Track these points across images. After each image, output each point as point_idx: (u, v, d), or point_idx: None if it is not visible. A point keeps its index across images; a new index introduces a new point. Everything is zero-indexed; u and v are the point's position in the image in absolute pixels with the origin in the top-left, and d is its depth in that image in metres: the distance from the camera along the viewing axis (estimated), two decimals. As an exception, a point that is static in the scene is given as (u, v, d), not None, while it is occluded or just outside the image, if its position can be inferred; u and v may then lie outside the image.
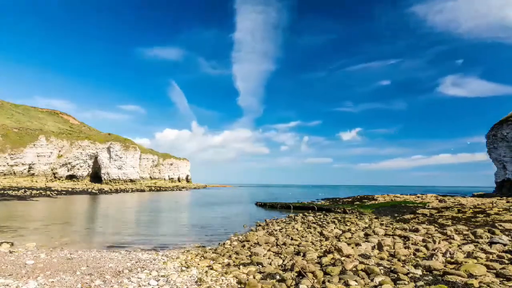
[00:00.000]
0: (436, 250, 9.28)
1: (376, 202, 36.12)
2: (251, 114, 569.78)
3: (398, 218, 20.17)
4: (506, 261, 8.00)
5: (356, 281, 6.65)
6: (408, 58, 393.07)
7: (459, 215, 20.04)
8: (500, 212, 20.33)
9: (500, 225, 13.78)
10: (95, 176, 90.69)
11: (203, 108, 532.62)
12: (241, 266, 8.42)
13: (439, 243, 10.79)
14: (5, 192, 45.59)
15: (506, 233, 12.28)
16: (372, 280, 6.69)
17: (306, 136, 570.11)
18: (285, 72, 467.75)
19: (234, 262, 9.05)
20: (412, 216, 20.81)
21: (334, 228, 15.94)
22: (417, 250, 9.69)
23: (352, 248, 9.83)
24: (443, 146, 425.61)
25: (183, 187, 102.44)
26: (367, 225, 17.11)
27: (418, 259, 8.66)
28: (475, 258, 8.44)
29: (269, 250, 10.71)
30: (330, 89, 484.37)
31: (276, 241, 12.35)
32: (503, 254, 8.78)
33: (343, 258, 8.46)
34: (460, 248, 9.82)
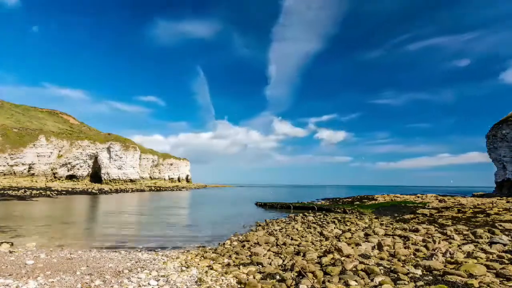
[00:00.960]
0: (436, 250, 9.28)
1: (376, 202, 36.12)
2: (276, 107, 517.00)
3: (398, 218, 20.17)
4: (506, 261, 8.00)
5: (356, 281, 6.65)
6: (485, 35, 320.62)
7: (459, 215, 20.04)
8: (500, 212, 20.34)
9: (500, 225, 13.78)
10: (95, 176, 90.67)
11: (226, 98, 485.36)
12: (241, 266, 8.42)
13: (439, 243, 10.79)
14: (5, 192, 45.58)
15: (506, 233, 12.28)
16: (372, 280, 6.69)
17: (330, 132, 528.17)
18: (332, 53, 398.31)
19: (234, 262, 9.05)
20: (412, 216, 20.81)
21: (334, 228, 15.93)
22: (417, 250, 9.69)
23: (352, 248, 9.82)
24: (476, 144, 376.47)
25: (183, 187, 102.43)
26: (367, 225, 17.10)
27: (418, 259, 8.67)
28: (475, 258, 8.44)
29: (269, 250, 10.71)
30: (377, 74, 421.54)
31: (276, 241, 12.35)
32: (503, 254, 8.78)
33: (343, 258, 8.46)
34: (460, 248, 9.81)
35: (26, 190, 50.87)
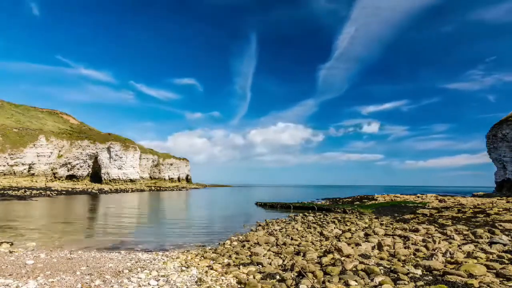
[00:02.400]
0: (436, 250, 9.28)
1: (376, 202, 36.12)
2: (328, 93, 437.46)
3: (398, 218, 20.17)
4: (506, 261, 8.00)
5: (356, 281, 6.65)
6: None
7: (459, 215, 20.03)
8: (500, 212, 20.34)
9: (500, 225, 13.78)
10: (95, 176, 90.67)
11: (272, 80, 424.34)
12: (241, 266, 8.41)
13: (439, 243, 10.78)
14: (5, 192, 45.57)
15: (506, 233, 12.28)
16: (372, 280, 6.69)
17: (375, 124, 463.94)
18: (440, 12, 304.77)
19: (234, 262, 9.05)
20: (412, 216, 20.81)
21: (334, 228, 15.93)
22: (417, 250, 9.68)
23: (352, 248, 9.82)
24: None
25: (183, 187, 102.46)
26: (367, 225, 17.10)
27: (418, 259, 8.66)
28: (475, 258, 8.44)
29: (269, 250, 10.70)
30: (475, 43, 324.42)
31: (276, 241, 12.35)
32: (503, 254, 8.78)
33: (343, 258, 8.46)
34: (460, 248, 9.81)
35: (26, 190, 50.86)
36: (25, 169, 68.66)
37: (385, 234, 13.31)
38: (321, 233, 14.21)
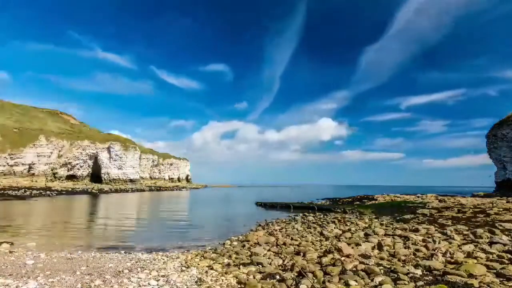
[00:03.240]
0: (436, 250, 9.28)
1: (376, 202, 36.11)
2: (367, 82, 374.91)
3: (398, 218, 20.16)
4: (506, 261, 8.00)
5: (356, 281, 6.65)
6: None
7: (459, 215, 20.03)
8: (500, 212, 20.33)
9: (500, 225, 13.78)
10: (95, 176, 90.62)
11: (306, 67, 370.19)
12: (241, 266, 8.41)
13: (439, 243, 10.78)
14: (5, 192, 45.56)
15: (506, 233, 12.28)
16: (372, 280, 6.69)
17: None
18: None
19: (234, 262, 9.05)
20: (412, 216, 20.81)
21: (334, 228, 15.93)
22: (417, 250, 9.68)
23: (352, 248, 9.82)
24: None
25: (183, 187, 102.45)
26: (367, 225, 17.09)
27: (418, 259, 8.66)
28: (475, 258, 8.44)
29: (269, 250, 10.70)
30: None
31: (276, 241, 12.34)
32: (503, 254, 8.78)
33: (343, 258, 8.46)
34: (460, 248, 9.81)
35: (26, 190, 50.85)
36: (25, 169, 68.64)
37: (385, 234, 13.30)
38: (321, 233, 14.20)
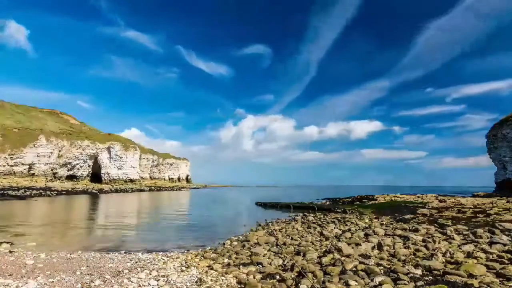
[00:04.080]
0: (436, 250, 9.28)
1: (376, 202, 36.10)
2: (414, 69, 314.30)
3: (398, 218, 20.15)
4: (506, 261, 8.00)
5: (356, 281, 6.65)
6: None
7: (459, 215, 20.03)
8: (500, 212, 20.33)
9: (500, 225, 13.77)
10: (95, 176, 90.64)
11: (350, 51, 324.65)
12: (241, 266, 8.41)
13: (439, 243, 10.78)
14: (5, 192, 45.56)
15: (506, 233, 12.28)
16: (372, 280, 6.69)
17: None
18: None
19: (234, 262, 9.05)
20: (412, 216, 20.80)
21: (334, 228, 15.92)
22: (417, 250, 9.68)
23: (352, 248, 9.82)
24: None
25: (183, 187, 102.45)
26: (367, 225, 17.09)
27: (418, 259, 8.66)
28: (475, 258, 8.44)
29: (269, 250, 10.70)
30: None
31: (276, 241, 12.34)
32: (503, 254, 8.78)
33: (343, 258, 8.46)
34: (460, 248, 9.81)
35: (26, 190, 50.84)
36: (25, 169, 68.64)
37: (385, 234, 13.30)
38: (321, 233, 14.19)
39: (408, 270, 7.36)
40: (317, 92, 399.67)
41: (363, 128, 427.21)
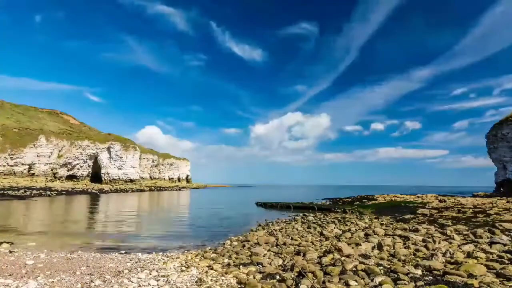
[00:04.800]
0: (436, 250, 9.29)
1: (376, 202, 36.10)
2: (465, 54, 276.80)
3: (398, 218, 20.16)
4: (506, 261, 8.00)
5: (356, 281, 6.65)
6: None
7: (459, 215, 20.03)
8: (500, 212, 20.34)
9: (500, 225, 13.78)
10: (95, 176, 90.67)
11: (396, 35, 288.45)
12: (241, 266, 8.41)
13: (439, 243, 10.78)
14: (5, 192, 45.55)
15: (506, 233, 12.28)
16: (372, 280, 6.69)
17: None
18: None
19: (234, 262, 9.05)
20: (412, 216, 20.81)
21: (334, 228, 15.93)
22: (417, 250, 9.68)
23: (352, 248, 9.82)
24: None
25: (183, 187, 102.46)
26: (367, 225, 17.09)
27: (418, 259, 8.66)
28: (475, 258, 8.44)
29: (269, 250, 10.70)
30: None
31: (276, 241, 12.34)
32: (503, 254, 8.77)
33: (343, 258, 8.45)
34: (460, 248, 9.81)
35: (26, 190, 50.83)
36: (25, 169, 68.64)
37: (385, 234, 13.30)
38: (321, 233, 14.20)
39: (408, 270, 7.36)
40: (351, 81, 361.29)
41: (391, 124, 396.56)
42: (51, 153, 76.01)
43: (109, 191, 64.95)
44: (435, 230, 13.68)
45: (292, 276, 7.20)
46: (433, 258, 8.22)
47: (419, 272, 7.29)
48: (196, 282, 7.06)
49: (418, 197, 44.10)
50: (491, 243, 10.34)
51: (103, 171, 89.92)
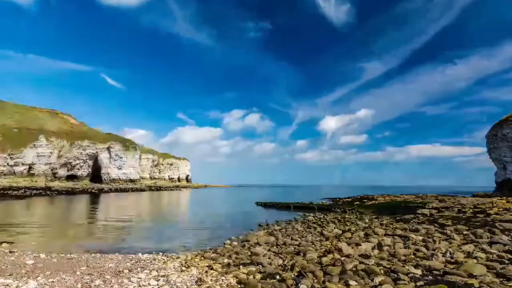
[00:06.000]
0: (436, 250, 9.29)
1: (376, 202, 36.09)
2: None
3: (398, 218, 20.16)
4: (506, 261, 8.00)
5: (356, 281, 6.65)
6: None
7: (459, 215, 20.03)
8: (500, 212, 20.33)
9: (500, 225, 13.77)
10: (95, 176, 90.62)
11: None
12: (241, 266, 8.41)
13: (439, 243, 10.78)
14: (5, 192, 45.53)
15: (506, 233, 12.28)
16: (372, 280, 6.69)
17: None
18: None
19: (234, 262, 9.04)
20: (412, 216, 20.80)
21: (334, 228, 15.92)
22: (417, 250, 9.68)
23: (352, 248, 9.82)
24: None
25: (183, 187, 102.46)
26: (367, 225, 17.09)
27: (418, 259, 8.66)
28: (475, 258, 8.44)
29: (269, 250, 10.70)
30: None
31: (276, 241, 12.34)
32: (503, 254, 8.78)
33: (343, 258, 8.45)
34: (460, 248, 9.81)
35: (26, 190, 50.83)
36: (25, 169, 68.62)
37: (385, 234, 13.30)
38: (321, 233, 14.20)
39: (408, 270, 7.37)
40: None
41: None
42: (51, 153, 75.99)
43: (109, 191, 64.95)
44: (435, 230, 13.68)
45: (292, 276, 7.20)
46: (433, 258, 8.22)
47: (419, 272, 7.29)
48: (196, 282, 7.06)
49: (418, 197, 44.08)
50: (491, 243, 10.35)
51: (103, 171, 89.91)
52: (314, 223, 18.80)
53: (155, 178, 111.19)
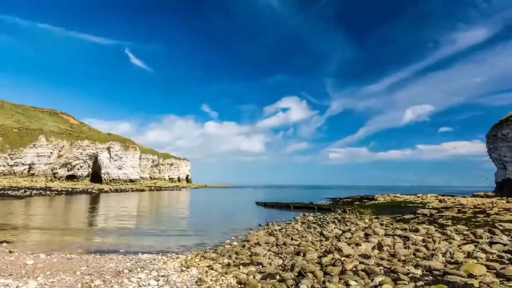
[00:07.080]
0: (436, 250, 9.28)
1: (376, 202, 36.10)
2: None
3: (398, 218, 20.16)
4: (506, 261, 8.00)
5: (356, 281, 6.64)
6: None
7: (459, 215, 20.03)
8: (500, 212, 20.34)
9: (500, 225, 13.78)
10: (95, 176, 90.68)
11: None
12: (241, 266, 8.41)
13: (439, 243, 10.78)
14: (5, 192, 45.55)
15: (506, 233, 12.28)
16: (372, 280, 6.69)
17: None
18: None
19: (234, 262, 9.04)
20: (412, 216, 20.81)
21: (334, 228, 15.92)
22: (417, 250, 9.68)
23: (352, 248, 9.82)
24: None
25: (183, 187, 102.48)
26: (367, 225, 17.08)
27: (418, 259, 8.66)
28: (475, 258, 8.43)
29: (269, 250, 10.70)
30: None
31: (276, 241, 12.34)
32: (503, 254, 8.78)
33: (343, 258, 8.45)
34: (460, 248, 9.81)
35: (26, 190, 50.83)
36: (25, 169, 68.62)
37: (385, 234, 13.29)
38: (321, 233, 14.19)
39: (408, 270, 7.36)
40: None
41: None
42: (51, 153, 76.01)
43: (109, 191, 64.95)
44: (435, 230, 13.67)
45: (292, 276, 7.20)
46: (433, 258, 8.22)
47: (419, 272, 7.28)
48: (196, 282, 7.06)
49: (418, 197, 44.10)
50: (491, 243, 10.34)
51: (103, 171, 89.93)
52: (314, 223, 18.80)
53: (155, 178, 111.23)
